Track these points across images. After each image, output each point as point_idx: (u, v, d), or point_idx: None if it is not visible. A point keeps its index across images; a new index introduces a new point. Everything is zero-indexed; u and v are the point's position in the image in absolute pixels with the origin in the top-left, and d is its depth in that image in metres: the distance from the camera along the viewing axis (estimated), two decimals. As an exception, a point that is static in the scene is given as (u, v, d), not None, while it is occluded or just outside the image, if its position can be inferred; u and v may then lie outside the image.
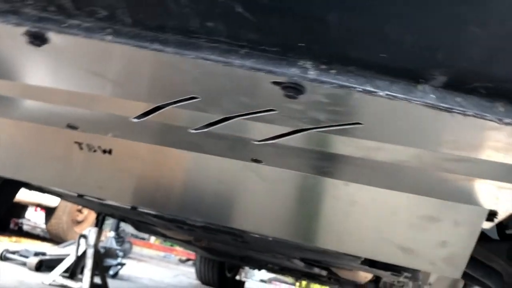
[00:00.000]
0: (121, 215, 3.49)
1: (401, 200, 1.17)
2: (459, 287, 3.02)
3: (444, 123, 0.68)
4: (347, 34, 0.60)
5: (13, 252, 4.26)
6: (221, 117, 0.93)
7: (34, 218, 8.18)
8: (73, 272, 3.76)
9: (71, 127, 1.29)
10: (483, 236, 1.73)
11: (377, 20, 0.56)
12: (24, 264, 4.12)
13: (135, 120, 1.05)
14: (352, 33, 0.59)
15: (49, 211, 6.69)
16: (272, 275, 9.37)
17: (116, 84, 0.90)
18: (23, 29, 0.73)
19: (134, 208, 1.98)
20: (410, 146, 0.83)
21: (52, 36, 0.73)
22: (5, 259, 4.21)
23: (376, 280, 3.42)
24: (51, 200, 6.20)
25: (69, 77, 0.94)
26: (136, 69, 0.82)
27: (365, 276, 3.05)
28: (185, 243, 4.32)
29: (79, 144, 1.42)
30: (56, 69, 0.92)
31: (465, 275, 1.89)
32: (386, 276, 2.48)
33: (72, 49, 0.77)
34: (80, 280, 3.66)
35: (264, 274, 9.34)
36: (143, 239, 10.08)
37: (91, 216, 6.25)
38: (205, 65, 0.69)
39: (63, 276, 3.71)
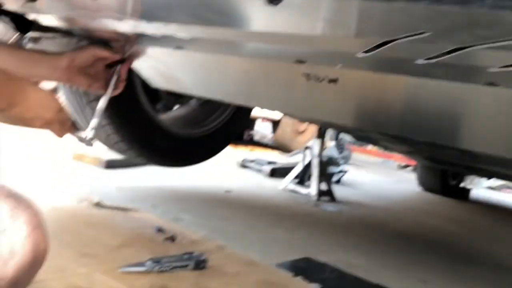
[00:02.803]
0: (342, 128, 3.66)
1: None
2: None
3: None
4: None
5: (251, 161, 4.92)
6: (452, 48, 0.89)
7: (262, 129, 9.13)
8: (302, 180, 4.16)
9: (299, 61, 1.40)
10: None
11: None
12: (259, 171, 4.73)
13: (363, 54, 1.07)
14: None
15: (275, 123, 7.38)
16: (502, 182, 8.67)
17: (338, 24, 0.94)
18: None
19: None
20: None
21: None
22: (244, 166, 4.89)
23: None
24: (276, 114, 6.80)
25: (296, 22, 1.01)
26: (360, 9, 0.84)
27: None
28: (405, 153, 4.31)
29: (307, 74, 1.53)
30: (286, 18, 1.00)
31: None
32: None
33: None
34: (308, 186, 4.05)
35: (492, 181, 8.70)
36: (361, 145, 10.29)
37: (311, 126, 6.65)
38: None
39: (294, 183, 4.15)
